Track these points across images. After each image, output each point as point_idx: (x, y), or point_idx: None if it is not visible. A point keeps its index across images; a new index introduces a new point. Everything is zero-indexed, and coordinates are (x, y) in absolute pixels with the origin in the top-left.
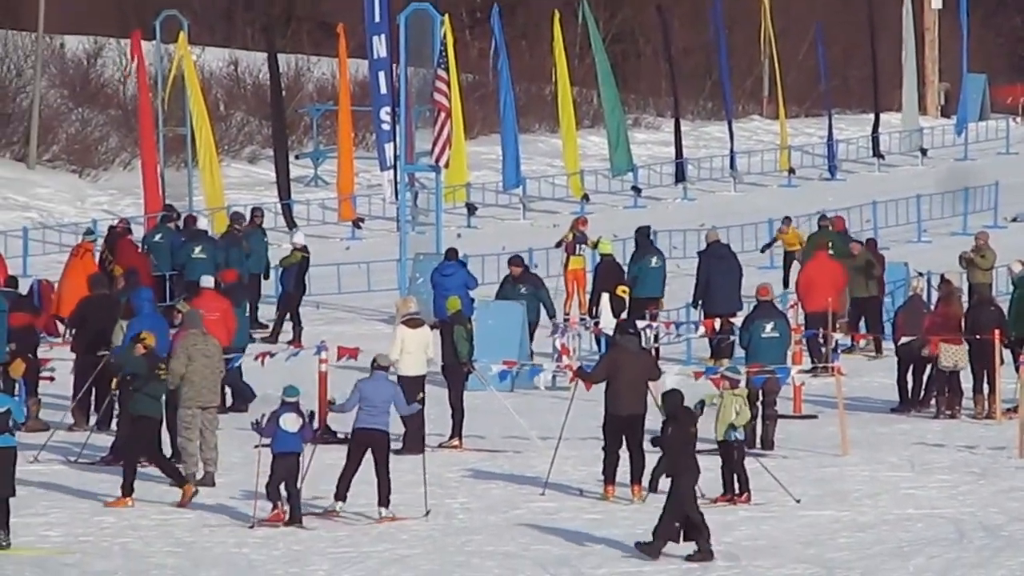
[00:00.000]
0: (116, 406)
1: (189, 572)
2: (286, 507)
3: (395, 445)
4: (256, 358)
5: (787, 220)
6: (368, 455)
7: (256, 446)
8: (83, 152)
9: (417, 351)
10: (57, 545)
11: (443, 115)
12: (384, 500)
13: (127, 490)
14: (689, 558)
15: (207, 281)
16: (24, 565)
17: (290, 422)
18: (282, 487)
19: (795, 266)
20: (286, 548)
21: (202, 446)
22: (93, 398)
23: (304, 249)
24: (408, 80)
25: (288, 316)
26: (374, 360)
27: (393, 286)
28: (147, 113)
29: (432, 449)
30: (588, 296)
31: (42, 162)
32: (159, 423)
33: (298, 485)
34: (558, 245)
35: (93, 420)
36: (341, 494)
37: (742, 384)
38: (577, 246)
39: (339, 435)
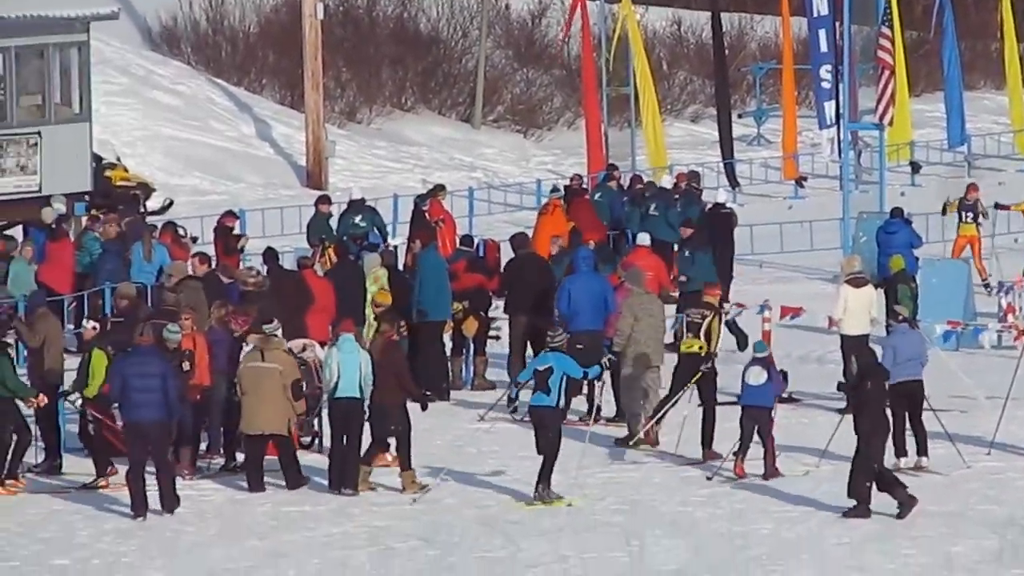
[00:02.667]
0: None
1: (635, 529)
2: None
3: None
4: None
5: None
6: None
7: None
8: (527, 112)
9: (860, 310)
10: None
11: (887, 73)
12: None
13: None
14: (899, 516)
15: (643, 239)
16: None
17: (755, 375)
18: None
19: None
20: (729, 507)
21: (645, 405)
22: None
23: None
24: (851, 38)
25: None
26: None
27: (836, 245)
28: (591, 73)
29: None
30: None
31: (487, 122)
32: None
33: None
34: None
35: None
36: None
37: None
38: (964, 213)
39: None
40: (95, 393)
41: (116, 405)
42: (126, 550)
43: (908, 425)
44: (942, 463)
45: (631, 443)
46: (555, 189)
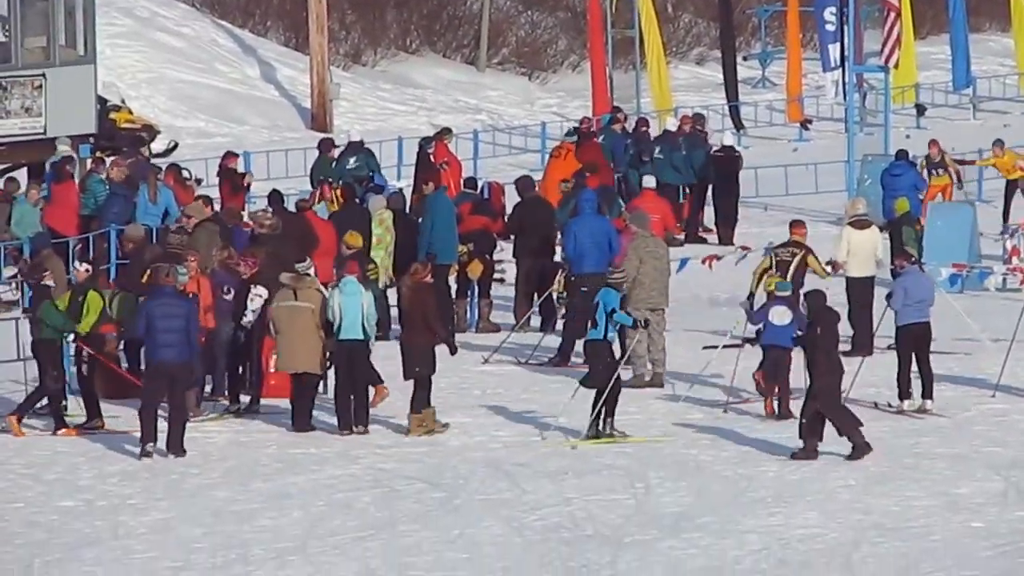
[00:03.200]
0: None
1: (640, 472)
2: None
3: None
4: (704, 261)
5: (999, 143)
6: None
7: (725, 346)
8: (532, 55)
9: (864, 253)
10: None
11: (892, 15)
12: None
13: None
14: (849, 456)
15: (649, 181)
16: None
17: (779, 315)
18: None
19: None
20: (734, 450)
21: (650, 347)
22: (538, 302)
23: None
24: None
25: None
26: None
27: (841, 188)
28: (596, 15)
29: None
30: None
31: (492, 65)
32: None
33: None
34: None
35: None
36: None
37: None
38: (934, 170)
39: None
40: (87, 331)
41: (121, 346)
42: (131, 492)
43: (915, 367)
44: (947, 405)
45: (636, 386)
46: (570, 132)
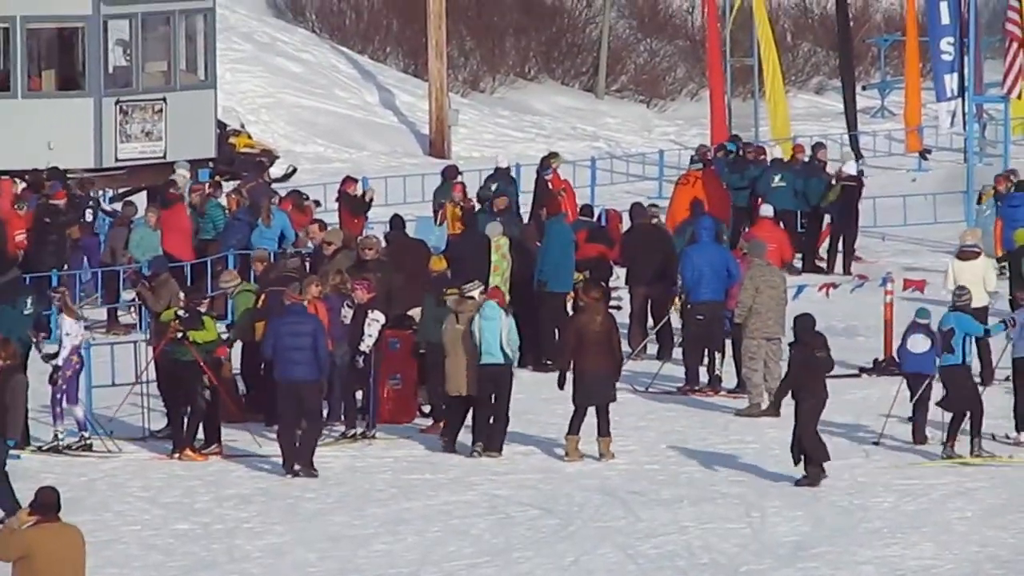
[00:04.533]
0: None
1: (755, 501)
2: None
3: None
4: (820, 289)
5: None
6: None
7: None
8: (651, 82)
9: (970, 283)
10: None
11: (1015, 45)
12: None
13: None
14: (799, 482)
15: (766, 210)
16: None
17: (918, 343)
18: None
19: None
20: (850, 480)
21: (766, 376)
22: (654, 330)
23: (851, 179)
24: (978, 9)
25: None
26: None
27: (960, 218)
28: (715, 43)
29: None
30: None
31: (610, 92)
32: None
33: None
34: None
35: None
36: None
37: None
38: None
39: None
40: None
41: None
42: (247, 516)
43: None
44: None
45: (751, 415)
46: (695, 160)
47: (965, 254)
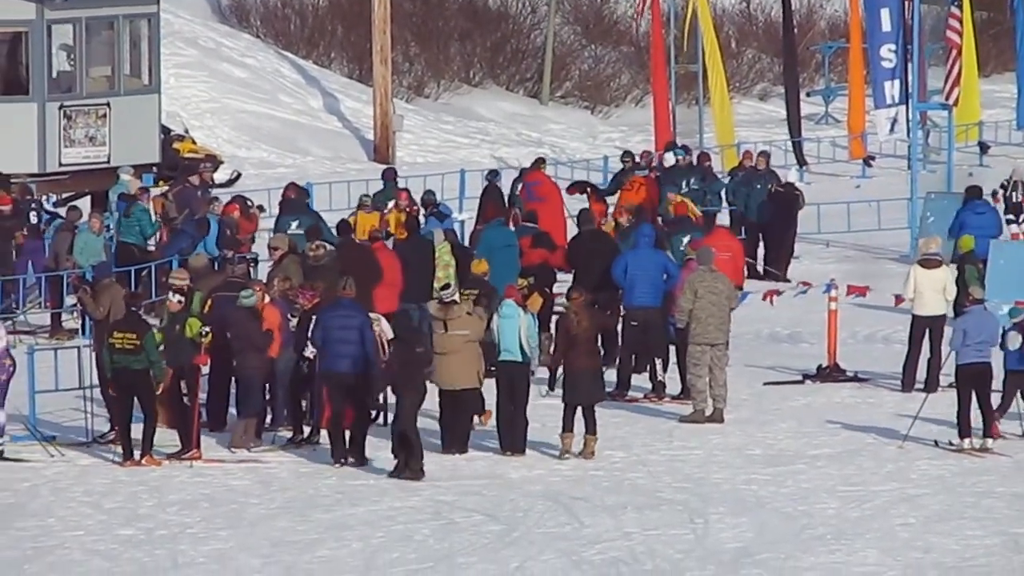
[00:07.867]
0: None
1: (699, 507)
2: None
3: None
4: (764, 297)
5: None
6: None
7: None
8: (595, 89)
9: (931, 292)
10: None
11: (954, 52)
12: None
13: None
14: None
15: (721, 219)
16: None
17: (1013, 340)
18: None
19: None
20: (794, 486)
21: (711, 383)
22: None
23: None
24: (922, 16)
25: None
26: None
27: (903, 225)
28: (659, 49)
29: None
30: None
31: (555, 98)
32: None
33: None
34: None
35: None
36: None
37: None
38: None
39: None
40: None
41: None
42: (191, 521)
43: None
44: (1008, 445)
45: (695, 421)
46: (637, 168)
47: (927, 262)
